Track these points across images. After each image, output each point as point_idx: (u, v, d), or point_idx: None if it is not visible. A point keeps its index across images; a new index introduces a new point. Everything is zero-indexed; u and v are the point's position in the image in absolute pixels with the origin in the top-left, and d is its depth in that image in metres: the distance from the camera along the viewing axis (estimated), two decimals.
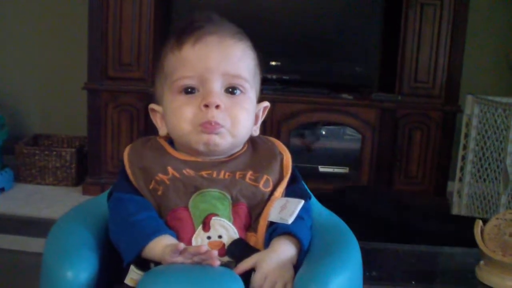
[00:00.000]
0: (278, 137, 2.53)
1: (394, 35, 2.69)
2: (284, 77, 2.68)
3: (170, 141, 0.81)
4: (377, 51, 2.79)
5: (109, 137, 2.64)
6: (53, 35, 2.92)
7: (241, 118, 0.76)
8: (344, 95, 2.67)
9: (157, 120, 0.82)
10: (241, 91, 0.77)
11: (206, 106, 0.74)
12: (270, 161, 0.79)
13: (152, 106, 0.81)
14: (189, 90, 0.75)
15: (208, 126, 0.74)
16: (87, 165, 2.67)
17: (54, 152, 2.71)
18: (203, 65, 0.74)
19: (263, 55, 0.81)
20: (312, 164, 2.75)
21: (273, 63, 2.65)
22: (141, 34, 2.56)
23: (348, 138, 2.75)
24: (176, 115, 0.75)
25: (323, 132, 2.78)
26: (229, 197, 0.73)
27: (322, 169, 2.75)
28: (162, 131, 0.81)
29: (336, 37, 2.72)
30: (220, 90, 0.75)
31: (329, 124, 2.73)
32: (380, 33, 2.75)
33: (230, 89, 0.76)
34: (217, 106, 0.74)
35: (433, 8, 2.57)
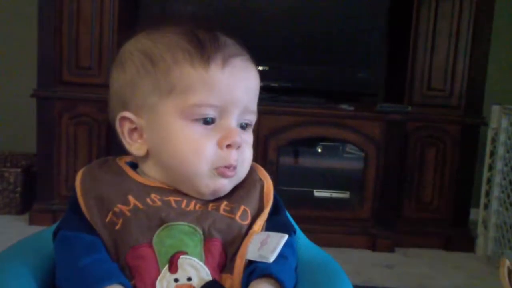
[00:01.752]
0: (264, 155, 2.57)
1: (402, 35, 2.72)
2: (272, 85, 2.69)
3: (131, 163, 0.81)
4: (382, 53, 2.80)
5: (63, 154, 2.63)
6: None
7: (249, 158, 0.79)
8: (344, 106, 2.67)
9: (127, 134, 0.79)
10: (250, 126, 0.80)
11: (229, 146, 0.75)
12: (248, 189, 0.80)
13: (125, 114, 0.77)
14: (208, 120, 0.75)
15: (227, 172, 0.75)
16: (36, 189, 2.64)
17: None
18: (230, 96, 0.75)
19: (252, 56, 0.82)
20: (306, 187, 2.75)
21: (259, 68, 2.71)
22: (103, 32, 2.56)
23: (348, 157, 2.75)
24: (192, 149, 0.74)
25: (319, 150, 2.77)
26: (200, 231, 0.73)
27: (317, 193, 2.75)
28: (138, 150, 0.78)
29: (334, 37, 2.73)
30: (237, 126, 0.78)
31: (325, 140, 2.73)
32: (386, 32, 2.78)
33: (243, 125, 0.78)
34: (238, 147, 0.76)
35: (451, 3, 2.59)
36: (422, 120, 2.65)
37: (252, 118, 0.79)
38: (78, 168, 2.79)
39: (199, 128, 0.74)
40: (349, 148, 2.73)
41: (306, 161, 2.79)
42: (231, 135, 0.75)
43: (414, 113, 2.64)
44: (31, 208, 2.68)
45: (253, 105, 0.78)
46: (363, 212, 2.68)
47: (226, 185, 0.77)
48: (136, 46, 0.78)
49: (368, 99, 2.81)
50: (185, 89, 0.74)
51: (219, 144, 0.75)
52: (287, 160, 2.75)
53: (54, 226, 0.79)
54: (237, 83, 0.75)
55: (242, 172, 0.79)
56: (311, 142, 2.76)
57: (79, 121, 2.62)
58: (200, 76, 0.73)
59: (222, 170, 0.75)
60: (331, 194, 2.74)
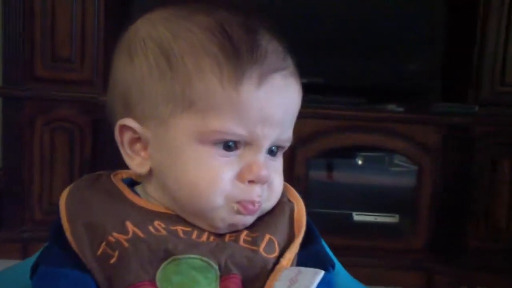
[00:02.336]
0: (290, 169, 2.48)
1: (465, 18, 2.71)
2: (302, 81, 2.66)
3: (130, 180, 0.82)
4: (437, 41, 2.76)
5: (37, 169, 2.62)
6: None
7: (279, 189, 0.80)
8: (391, 106, 2.65)
9: (128, 145, 0.79)
10: (282, 149, 0.80)
11: (252, 181, 0.75)
12: (275, 214, 0.80)
13: (127, 122, 0.77)
14: (231, 145, 0.75)
15: (250, 208, 0.76)
16: (1, 212, 2.64)
17: None
18: (261, 122, 0.74)
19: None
20: (343, 209, 2.76)
21: None
22: (86, 15, 2.55)
23: (396, 171, 2.76)
24: (206, 179, 0.75)
25: (359, 162, 2.79)
26: (215, 266, 0.73)
27: (357, 217, 2.75)
28: (139, 166, 0.79)
29: (379, 23, 2.72)
30: (266, 152, 0.78)
31: (367, 149, 2.73)
32: (443, 15, 2.74)
33: (273, 149, 0.78)
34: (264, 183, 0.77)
35: None
36: (493, 123, 2.64)
37: (286, 144, 0.79)
38: (55, 185, 2.77)
39: (218, 154, 0.75)
40: (397, 159, 2.75)
41: (342, 177, 2.81)
42: (256, 169, 0.75)
43: (483, 115, 2.61)
44: None
45: (289, 131, 0.78)
46: (416, 241, 2.65)
47: (247, 219, 0.77)
48: (151, 34, 0.77)
49: (421, 98, 2.79)
50: (207, 108, 0.73)
51: (240, 177, 0.75)
52: (318, 175, 2.75)
53: (31, 259, 0.80)
54: (273, 107, 0.75)
55: (268, 206, 0.79)
56: (349, 153, 2.76)
57: (56, 127, 2.61)
58: (228, 97, 0.73)
59: (243, 206, 0.76)
60: (375, 218, 2.73)
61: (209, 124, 0.73)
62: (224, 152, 0.74)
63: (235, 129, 0.73)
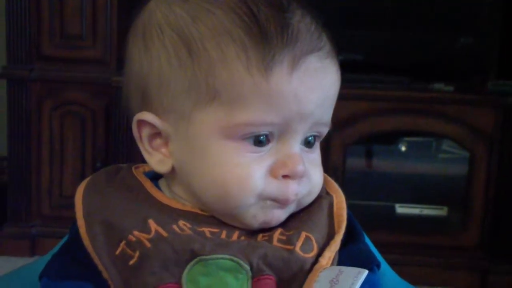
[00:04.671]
0: (326, 157, 2.46)
1: None
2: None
3: (152, 174, 0.82)
4: (496, 11, 2.74)
5: (46, 158, 2.64)
6: None
7: (319, 183, 0.80)
8: (439, 85, 2.63)
9: (147, 140, 0.79)
10: (319, 138, 0.81)
11: (287, 177, 0.75)
12: (312, 209, 0.80)
13: (145, 116, 0.78)
14: (262, 140, 0.75)
15: (285, 203, 0.77)
16: (6, 206, 2.64)
17: None
18: (296, 110, 0.74)
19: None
20: (384, 201, 2.78)
21: None
22: None
23: (445, 158, 2.78)
24: (235, 178, 0.75)
25: (403, 148, 2.77)
26: (247, 267, 0.73)
27: (401, 209, 2.75)
28: (160, 164, 0.79)
29: None
30: (302, 143, 0.78)
31: (412, 134, 2.75)
32: None
33: (309, 139, 0.78)
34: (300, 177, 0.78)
35: None
36: None
37: (323, 130, 0.79)
38: (65, 177, 2.83)
39: (248, 150, 0.75)
40: (446, 145, 2.76)
41: (384, 165, 2.85)
42: (292, 163, 0.75)
43: None
44: (0, 232, 2.69)
45: (328, 117, 0.78)
46: (468, 237, 2.64)
47: (281, 215, 0.77)
48: (168, 19, 0.77)
49: (475, 77, 2.75)
50: (234, 99, 0.74)
51: (273, 173, 0.75)
52: (357, 163, 2.81)
53: (43, 258, 0.85)
54: (309, 93, 0.75)
55: (307, 201, 0.79)
56: (391, 138, 2.77)
57: (66, 111, 2.62)
58: (257, 86, 0.73)
59: (279, 202, 0.76)
60: (420, 211, 2.73)
61: (236, 117, 0.73)
62: (254, 148, 0.74)
63: (266, 119, 0.73)
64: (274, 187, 0.75)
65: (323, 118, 0.77)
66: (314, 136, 0.78)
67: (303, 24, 0.75)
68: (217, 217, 0.78)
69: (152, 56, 0.76)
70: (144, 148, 0.79)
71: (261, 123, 0.73)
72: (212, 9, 0.74)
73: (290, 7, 0.75)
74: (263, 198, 0.75)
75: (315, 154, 0.79)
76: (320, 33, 0.76)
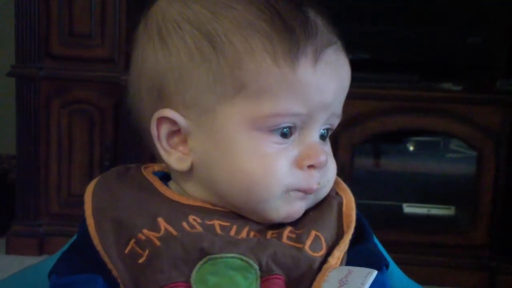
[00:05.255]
0: (333, 155, 2.46)
1: None
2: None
3: (162, 174, 0.83)
4: (506, 9, 2.72)
5: (54, 156, 2.64)
6: None
7: (334, 174, 0.81)
8: (446, 84, 2.62)
9: (165, 139, 0.79)
10: (331, 131, 0.83)
11: (312, 166, 0.77)
12: (321, 209, 0.81)
13: (166, 113, 0.78)
14: (286, 132, 0.76)
15: (309, 192, 0.78)
16: (15, 204, 2.64)
17: None
18: (319, 100, 0.76)
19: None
20: (392, 200, 2.78)
21: None
22: None
23: (453, 158, 2.77)
24: (263, 169, 0.76)
25: (410, 148, 2.78)
26: (256, 266, 0.73)
27: (408, 208, 2.74)
28: (179, 162, 0.79)
29: None
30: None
31: (420, 133, 2.74)
32: None
33: (323, 132, 0.80)
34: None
35: None
36: None
37: (336, 122, 0.81)
38: (74, 176, 2.83)
39: (274, 140, 0.76)
40: (454, 145, 2.75)
41: (392, 164, 2.85)
42: (315, 153, 0.77)
43: None
44: (8, 230, 2.69)
45: (341, 108, 0.80)
46: (476, 236, 2.63)
47: (302, 207, 0.79)
48: (186, 15, 0.77)
49: (483, 75, 2.74)
50: (261, 91, 0.75)
51: (298, 164, 0.76)
52: (365, 162, 2.81)
53: (52, 258, 0.83)
54: (329, 84, 0.77)
55: (322, 194, 0.81)
56: (399, 138, 2.77)
57: (74, 110, 2.63)
58: (284, 76, 0.74)
59: (304, 192, 0.77)
60: (428, 211, 2.73)
61: (264, 108, 0.74)
62: (280, 139, 0.75)
63: (293, 109, 0.74)
64: (300, 177, 0.76)
65: (338, 109, 0.79)
66: (327, 130, 0.79)
67: (319, 19, 0.76)
68: (235, 212, 0.79)
69: (171, 53, 0.77)
70: (162, 146, 0.78)
71: (287, 114, 0.74)
72: (231, 4, 0.75)
73: (304, 2, 0.77)
74: (289, 189, 0.76)
75: (328, 147, 0.80)
76: (333, 29, 0.78)
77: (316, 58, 0.74)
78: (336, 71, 0.77)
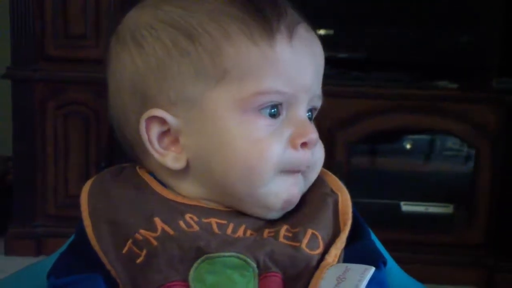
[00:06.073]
0: (330, 155, 2.46)
1: None
2: (340, 56, 2.65)
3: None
4: (498, 9, 2.72)
5: (50, 158, 2.64)
6: None
7: (322, 156, 0.82)
8: (442, 83, 2.63)
9: (157, 141, 0.79)
10: (315, 112, 0.84)
11: (305, 144, 0.78)
12: (317, 206, 0.81)
13: (155, 112, 0.78)
14: (274, 112, 0.78)
15: (299, 171, 0.80)
16: (12, 205, 2.64)
17: None
18: (299, 78, 0.78)
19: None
20: (389, 198, 2.76)
21: (322, 31, 2.61)
22: None
23: (450, 156, 2.76)
24: (257, 151, 0.77)
25: (407, 146, 2.77)
26: (253, 264, 0.74)
27: (406, 207, 2.74)
28: (175, 161, 0.79)
29: None
30: None
31: (416, 132, 2.74)
32: None
33: (308, 115, 0.81)
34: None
35: None
36: None
37: (318, 104, 0.83)
38: (70, 177, 2.82)
39: (265, 122, 0.77)
40: (451, 143, 2.74)
41: (389, 163, 2.80)
42: (307, 131, 0.78)
43: None
44: (5, 232, 2.68)
45: (320, 89, 0.82)
46: (473, 235, 2.64)
47: (298, 193, 0.80)
48: (158, 17, 0.78)
49: (478, 74, 2.75)
50: (244, 73, 0.76)
51: (292, 143, 0.78)
52: (361, 161, 2.79)
53: (51, 258, 0.84)
54: (306, 60, 0.79)
55: (312, 176, 0.82)
56: (395, 136, 2.75)
57: (70, 111, 2.63)
58: (264, 54, 0.76)
59: (296, 173, 0.79)
60: (425, 209, 2.72)
61: (249, 87, 0.75)
62: (270, 120, 0.76)
63: (277, 86, 0.76)
64: (294, 156, 0.77)
65: (318, 89, 0.81)
66: (311, 111, 0.81)
67: (285, 2, 0.80)
68: (235, 208, 0.79)
69: (148, 53, 0.77)
70: (155, 149, 0.78)
71: (271, 91, 0.76)
72: None
73: None
74: (281, 169, 0.77)
75: (315, 129, 0.81)
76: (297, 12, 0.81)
77: (291, 34, 0.77)
78: (312, 47, 0.79)
